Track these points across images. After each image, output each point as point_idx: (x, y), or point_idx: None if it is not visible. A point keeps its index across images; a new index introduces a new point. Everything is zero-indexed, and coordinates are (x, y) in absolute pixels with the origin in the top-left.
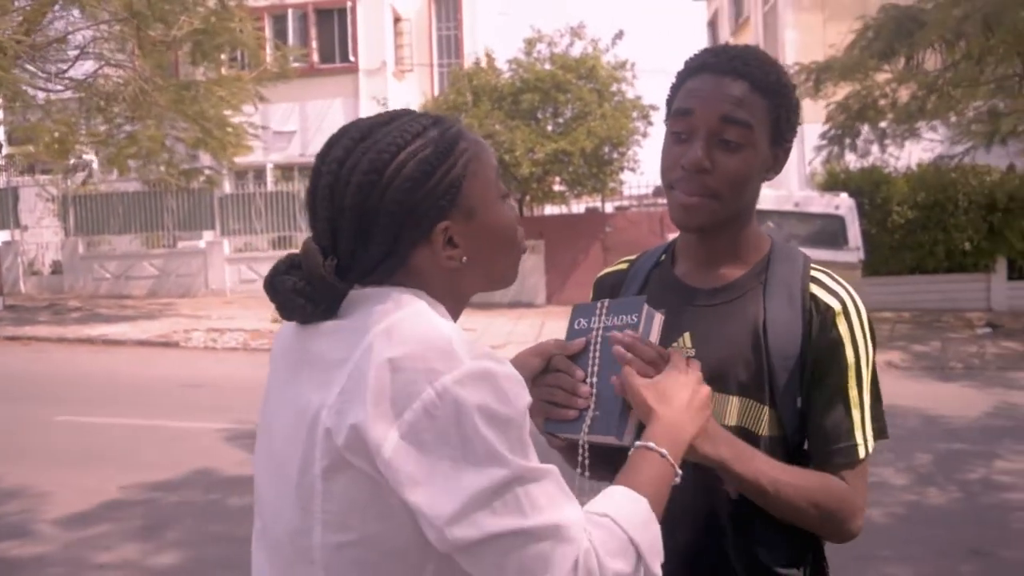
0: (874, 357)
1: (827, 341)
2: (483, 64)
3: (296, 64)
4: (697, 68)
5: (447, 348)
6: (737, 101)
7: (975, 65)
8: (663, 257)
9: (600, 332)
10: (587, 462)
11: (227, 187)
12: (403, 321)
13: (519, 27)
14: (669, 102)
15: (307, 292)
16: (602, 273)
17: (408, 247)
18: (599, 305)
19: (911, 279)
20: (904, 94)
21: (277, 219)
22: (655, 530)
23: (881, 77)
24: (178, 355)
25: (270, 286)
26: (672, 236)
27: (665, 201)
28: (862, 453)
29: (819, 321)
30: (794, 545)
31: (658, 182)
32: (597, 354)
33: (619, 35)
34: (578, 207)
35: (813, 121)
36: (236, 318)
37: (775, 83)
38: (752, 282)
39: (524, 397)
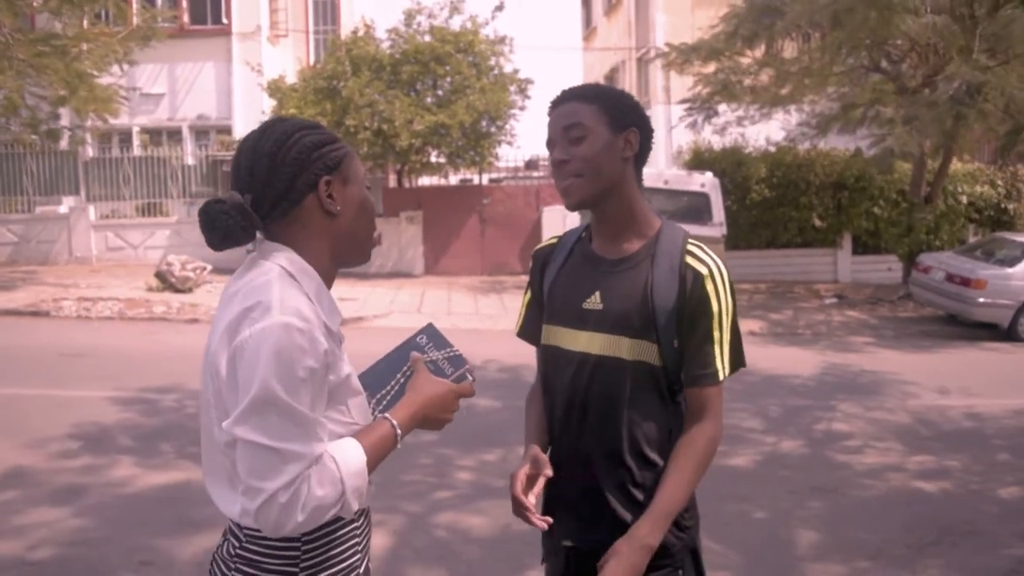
0: (734, 308)
1: (698, 297)
2: (361, 33)
3: (165, 25)
4: (549, 110)
5: (268, 305)
6: (570, 113)
7: (827, 56)
8: (584, 234)
9: (428, 360)
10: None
11: (90, 151)
12: (254, 287)
13: None
14: None
15: (232, 214)
16: (538, 247)
17: (302, 188)
18: (432, 342)
19: (767, 253)
20: (764, 78)
21: (146, 185)
22: (362, 480)
23: (744, 60)
24: (50, 324)
25: (204, 211)
26: (546, 208)
27: (537, 174)
28: (721, 376)
29: (691, 283)
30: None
31: (530, 155)
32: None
33: (500, 7)
34: (454, 179)
35: (681, 100)
36: (106, 287)
37: (594, 91)
38: (645, 254)
39: (306, 350)
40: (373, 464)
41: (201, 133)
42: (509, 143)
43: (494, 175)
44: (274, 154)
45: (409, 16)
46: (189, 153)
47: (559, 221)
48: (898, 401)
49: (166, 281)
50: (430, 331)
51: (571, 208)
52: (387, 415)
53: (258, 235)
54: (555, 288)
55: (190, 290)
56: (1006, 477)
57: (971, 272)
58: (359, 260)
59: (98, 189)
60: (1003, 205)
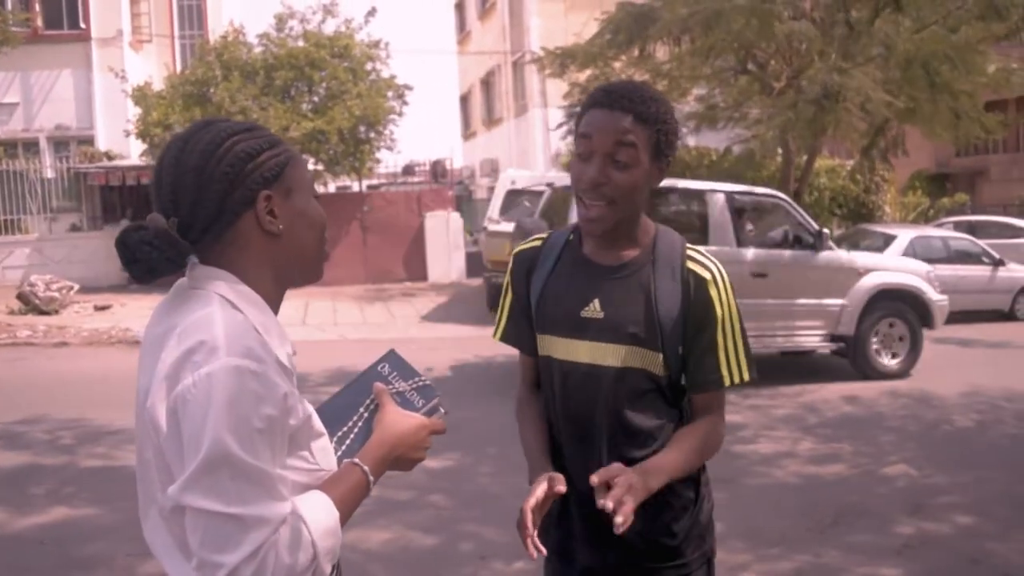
0: (738, 313)
1: (702, 302)
2: (231, 38)
3: (17, 29)
4: (593, 104)
5: (213, 344)
6: (625, 130)
7: (698, 58)
8: (571, 236)
9: (394, 392)
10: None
11: None
12: (192, 323)
13: (266, 1)
14: (575, 130)
15: (155, 243)
16: (518, 249)
17: (237, 207)
18: (396, 372)
19: None
20: (637, 79)
21: (1, 201)
22: (335, 539)
23: (618, 64)
24: None
25: (121, 241)
26: (428, 214)
27: (415, 179)
28: (726, 383)
29: (695, 287)
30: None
31: (408, 160)
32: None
33: (372, 12)
34: (332, 186)
35: (559, 105)
36: None
37: (654, 114)
38: (644, 260)
39: (262, 396)
40: (345, 518)
41: (61, 144)
42: (389, 148)
43: (372, 181)
44: (201, 168)
45: (280, 20)
46: (48, 165)
47: (442, 227)
48: (785, 389)
49: (29, 303)
50: (393, 359)
51: (593, 235)
52: (356, 460)
53: (190, 257)
54: (547, 295)
55: (56, 311)
56: (888, 457)
57: None
58: (310, 280)
59: None
60: (862, 199)
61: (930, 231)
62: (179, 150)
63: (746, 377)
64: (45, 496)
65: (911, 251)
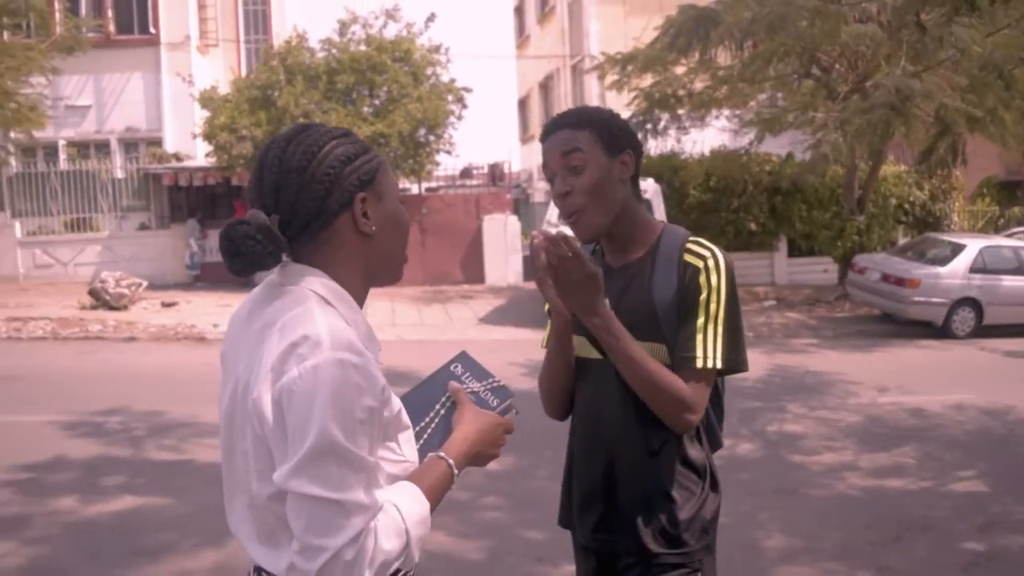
0: (728, 299)
1: (692, 289)
2: (294, 43)
3: (90, 34)
4: (541, 138)
5: (316, 339)
6: (566, 140)
7: (761, 62)
8: (597, 247)
9: (468, 391)
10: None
11: (13, 164)
12: (293, 318)
13: (329, 6)
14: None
15: (259, 237)
16: None
17: (335, 208)
18: (469, 372)
19: None
20: (699, 85)
21: (74, 200)
22: (426, 528)
23: (679, 70)
24: None
25: (226, 235)
26: (486, 217)
27: (473, 182)
28: (699, 364)
29: (688, 276)
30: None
31: (466, 163)
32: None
33: (431, 18)
34: None
35: (620, 111)
36: (36, 306)
37: (588, 118)
38: (647, 258)
39: (363, 388)
40: (432, 509)
41: (130, 145)
42: (448, 152)
43: (431, 184)
44: (303, 169)
45: (343, 26)
46: (119, 166)
47: (500, 230)
48: (845, 400)
49: (100, 298)
50: (465, 360)
51: (586, 242)
52: (442, 454)
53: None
54: None
55: (125, 307)
56: (954, 472)
57: (905, 272)
58: (392, 280)
59: (24, 204)
60: (928, 206)
61: (1000, 240)
62: (282, 151)
63: (719, 364)
64: (116, 486)
65: (980, 261)
